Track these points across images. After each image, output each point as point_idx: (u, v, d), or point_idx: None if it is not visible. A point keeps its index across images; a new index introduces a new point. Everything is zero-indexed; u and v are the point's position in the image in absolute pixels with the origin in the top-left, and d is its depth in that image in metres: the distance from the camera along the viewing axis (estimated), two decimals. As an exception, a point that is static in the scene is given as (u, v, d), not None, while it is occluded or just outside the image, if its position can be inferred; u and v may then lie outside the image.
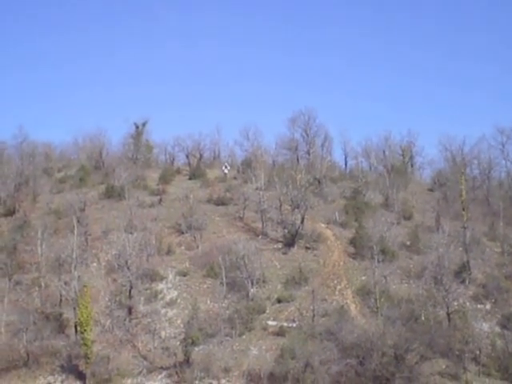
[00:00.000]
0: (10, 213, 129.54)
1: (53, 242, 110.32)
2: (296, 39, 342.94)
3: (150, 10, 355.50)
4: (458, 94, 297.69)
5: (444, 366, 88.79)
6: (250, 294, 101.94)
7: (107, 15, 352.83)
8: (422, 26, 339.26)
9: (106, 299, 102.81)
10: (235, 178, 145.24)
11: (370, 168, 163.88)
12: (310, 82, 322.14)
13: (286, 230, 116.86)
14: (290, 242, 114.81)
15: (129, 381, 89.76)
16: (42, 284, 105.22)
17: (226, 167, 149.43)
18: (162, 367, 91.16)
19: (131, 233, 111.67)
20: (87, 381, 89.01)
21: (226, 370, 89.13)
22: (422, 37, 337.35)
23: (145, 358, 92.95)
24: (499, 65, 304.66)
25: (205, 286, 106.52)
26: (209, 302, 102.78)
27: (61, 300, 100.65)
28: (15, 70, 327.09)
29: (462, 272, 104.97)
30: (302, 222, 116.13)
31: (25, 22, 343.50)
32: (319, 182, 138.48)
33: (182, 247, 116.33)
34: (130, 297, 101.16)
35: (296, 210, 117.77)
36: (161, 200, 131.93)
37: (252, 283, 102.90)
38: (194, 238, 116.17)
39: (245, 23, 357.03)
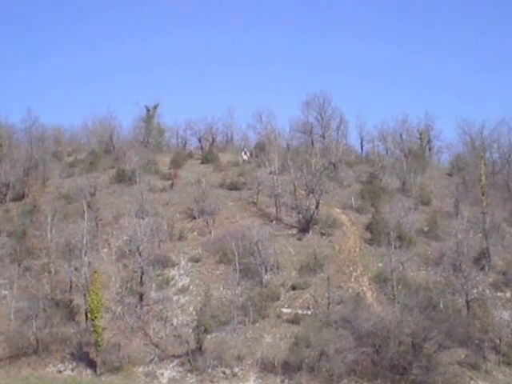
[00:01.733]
0: (20, 197, 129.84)
1: (63, 227, 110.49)
2: (309, 20, 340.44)
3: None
4: (477, 76, 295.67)
5: (463, 356, 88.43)
6: (263, 280, 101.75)
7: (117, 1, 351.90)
8: (437, 4, 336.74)
9: (117, 286, 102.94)
10: (249, 162, 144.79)
11: (387, 152, 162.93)
12: (324, 65, 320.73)
13: (301, 216, 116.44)
14: (304, 227, 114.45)
15: (140, 369, 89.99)
16: (52, 270, 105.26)
17: (245, 153, 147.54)
18: (173, 355, 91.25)
19: (142, 218, 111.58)
20: (98, 369, 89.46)
21: (239, 358, 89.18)
22: (438, 15, 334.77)
23: (156, 345, 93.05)
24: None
25: (217, 272, 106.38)
26: (222, 288, 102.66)
27: (71, 286, 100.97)
28: (25, 55, 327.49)
29: (481, 259, 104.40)
30: (317, 207, 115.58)
31: (36, 10, 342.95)
32: (334, 166, 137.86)
33: (195, 233, 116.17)
34: (142, 283, 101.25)
35: (311, 194, 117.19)
36: (172, 184, 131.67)
37: (266, 270, 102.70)
38: (207, 223, 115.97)
39: (255, 6, 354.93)
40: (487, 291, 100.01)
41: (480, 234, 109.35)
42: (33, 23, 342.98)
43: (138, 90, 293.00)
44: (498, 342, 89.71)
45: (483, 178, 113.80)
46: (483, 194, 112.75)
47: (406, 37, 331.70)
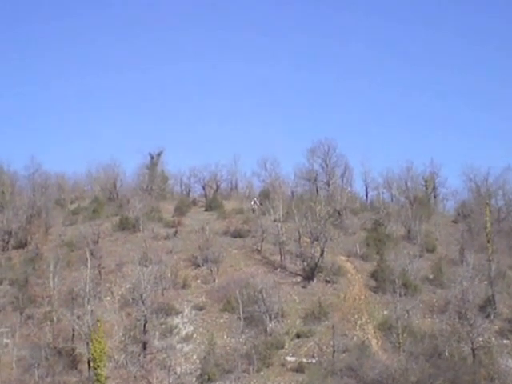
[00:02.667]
0: (22, 245, 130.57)
1: (65, 275, 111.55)
2: (310, 62, 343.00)
3: (163, 34, 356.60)
4: (481, 123, 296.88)
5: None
6: (268, 328, 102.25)
7: (123, 39, 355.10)
8: (442, 48, 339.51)
9: (120, 334, 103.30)
10: (253, 210, 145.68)
11: (392, 199, 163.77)
12: (328, 109, 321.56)
13: (305, 263, 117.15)
14: (309, 275, 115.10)
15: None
16: (54, 318, 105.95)
17: (254, 202, 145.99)
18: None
19: (146, 266, 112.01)
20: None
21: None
22: (442, 61, 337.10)
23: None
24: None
25: (221, 320, 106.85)
26: (226, 337, 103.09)
27: (73, 335, 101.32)
28: (27, 101, 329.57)
29: (486, 306, 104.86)
30: (322, 254, 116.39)
31: (33, 47, 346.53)
32: (339, 213, 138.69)
33: (198, 280, 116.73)
34: (145, 331, 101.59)
35: (315, 242, 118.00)
36: (176, 232, 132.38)
37: (270, 318, 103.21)
38: (211, 271, 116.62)
39: (260, 46, 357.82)
40: (493, 339, 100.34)
41: (485, 282, 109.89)
42: (34, 69, 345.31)
43: (141, 138, 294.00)
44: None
45: (488, 225, 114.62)
46: (488, 241, 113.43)
47: (411, 83, 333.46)
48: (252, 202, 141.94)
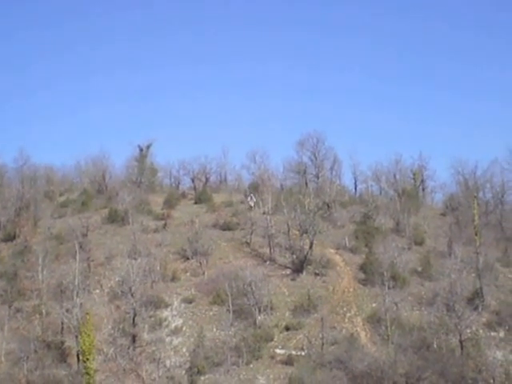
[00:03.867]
0: (11, 238, 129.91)
1: (54, 267, 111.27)
2: (300, 54, 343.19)
3: (155, 30, 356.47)
4: (470, 116, 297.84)
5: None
6: (257, 321, 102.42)
7: (110, 34, 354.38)
8: (433, 43, 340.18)
9: (109, 327, 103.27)
10: (242, 203, 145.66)
11: (381, 192, 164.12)
12: (318, 102, 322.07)
13: (295, 256, 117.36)
14: (298, 267, 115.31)
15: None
16: (43, 311, 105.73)
17: (251, 198, 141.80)
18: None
19: (135, 258, 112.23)
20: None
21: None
22: (432, 52, 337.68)
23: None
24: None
25: (211, 313, 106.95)
26: (215, 329, 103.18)
27: (62, 328, 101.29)
28: (16, 93, 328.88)
29: (474, 299, 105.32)
30: (311, 247, 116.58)
31: (24, 41, 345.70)
32: (328, 206, 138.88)
33: (188, 273, 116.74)
34: (134, 324, 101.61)
35: (304, 235, 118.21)
36: (165, 225, 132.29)
37: (259, 310, 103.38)
38: (200, 263, 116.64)
39: (250, 43, 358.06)
40: (481, 331, 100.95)
41: (473, 274, 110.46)
42: (25, 60, 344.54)
43: (131, 130, 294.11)
44: (491, 381, 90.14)
45: (476, 217, 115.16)
46: (476, 234, 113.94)
47: (400, 75, 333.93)
48: (248, 199, 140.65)
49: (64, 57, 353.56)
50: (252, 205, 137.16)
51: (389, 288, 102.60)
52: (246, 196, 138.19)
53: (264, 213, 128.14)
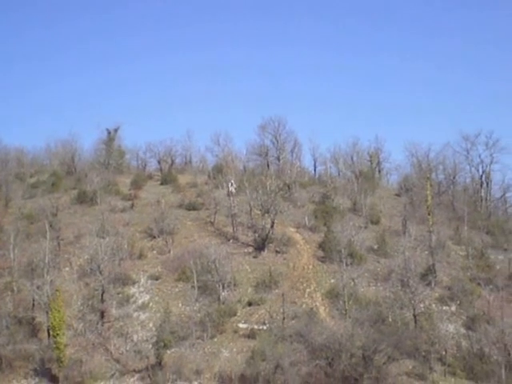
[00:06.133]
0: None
1: (25, 246, 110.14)
2: (265, 42, 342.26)
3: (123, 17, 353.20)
4: (423, 102, 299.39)
5: (411, 367, 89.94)
6: (221, 297, 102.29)
7: (77, 19, 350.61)
8: (387, 32, 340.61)
9: (79, 303, 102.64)
10: (206, 184, 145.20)
11: (339, 173, 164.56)
12: (279, 89, 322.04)
13: (257, 235, 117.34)
14: (260, 246, 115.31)
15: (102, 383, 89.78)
16: (15, 288, 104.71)
17: (231, 185, 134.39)
18: (134, 370, 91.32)
19: (103, 237, 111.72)
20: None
21: (198, 372, 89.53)
22: (388, 44, 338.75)
23: (117, 361, 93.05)
24: (463, 72, 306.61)
25: (176, 289, 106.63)
26: (180, 305, 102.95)
27: (33, 304, 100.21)
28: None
29: (427, 275, 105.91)
30: (272, 226, 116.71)
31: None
32: (289, 187, 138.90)
33: (154, 251, 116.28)
34: (103, 301, 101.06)
35: (266, 214, 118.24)
36: (133, 205, 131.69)
37: (223, 287, 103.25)
38: (166, 242, 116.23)
39: (215, 26, 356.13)
40: (433, 305, 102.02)
41: (426, 252, 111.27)
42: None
43: (99, 112, 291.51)
44: (443, 353, 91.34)
45: (429, 198, 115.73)
46: (429, 214, 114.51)
47: (356, 64, 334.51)
48: (229, 184, 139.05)
49: (37, 48, 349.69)
50: (233, 191, 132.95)
51: (346, 265, 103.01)
52: (227, 182, 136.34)
53: (227, 193, 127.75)
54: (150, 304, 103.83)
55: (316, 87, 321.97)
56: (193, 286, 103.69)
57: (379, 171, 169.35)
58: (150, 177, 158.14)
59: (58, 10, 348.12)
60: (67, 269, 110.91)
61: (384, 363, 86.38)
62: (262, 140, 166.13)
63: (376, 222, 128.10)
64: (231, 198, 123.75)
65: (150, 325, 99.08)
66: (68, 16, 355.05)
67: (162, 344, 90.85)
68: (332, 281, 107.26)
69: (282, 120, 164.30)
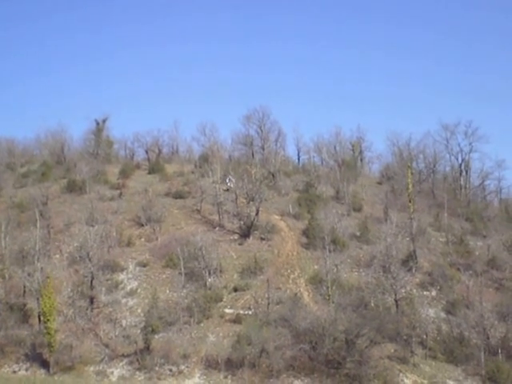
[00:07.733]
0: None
1: (16, 234, 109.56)
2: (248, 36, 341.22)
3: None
4: (404, 92, 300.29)
5: (392, 350, 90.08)
6: (207, 283, 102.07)
7: (65, 10, 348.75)
8: (365, 24, 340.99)
9: (69, 290, 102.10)
10: (193, 173, 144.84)
11: (322, 162, 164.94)
12: (263, 80, 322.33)
13: (242, 222, 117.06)
14: (245, 233, 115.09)
15: (91, 368, 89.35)
16: (6, 275, 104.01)
17: (230, 180, 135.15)
18: (123, 355, 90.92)
19: (92, 225, 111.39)
20: (51, 368, 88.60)
21: (185, 357, 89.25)
22: (367, 35, 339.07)
23: (106, 345, 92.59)
24: (443, 64, 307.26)
25: (164, 276, 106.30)
26: (168, 291, 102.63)
27: (24, 291, 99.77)
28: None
29: (408, 261, 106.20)
30: (257, 214, 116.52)
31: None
32: (273, 175, 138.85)
33: (142, 239, 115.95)
34: (92, 287, 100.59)
35: (251, 202, 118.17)
36: (121, 194, 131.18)
37: (209, 273, 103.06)
38: (154, 230, 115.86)
39: (201, 17, 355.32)
40: (414, 290, 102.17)
41: (407, 238, 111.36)
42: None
43: (88, 103, 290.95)
44: (424, 337, 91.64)
45: (410, 186, 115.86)
46: (410, 201, 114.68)
47: (337, 56, 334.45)
48: (227, 180, 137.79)
49: (25, 40, 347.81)
50: (231, 186, 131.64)
51: (329, 251, 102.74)
52: (225, 177, 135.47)
53: (213, 182, 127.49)
54: (138, 290, 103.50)
55: (299, 78, 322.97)
56: (180, 273, 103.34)
57: (361, 160, 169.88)
58: (138, 166, 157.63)
59: (45, 1, 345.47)
60: (57, 256, 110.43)
61: (366, 347, 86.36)
62: (246, 130, 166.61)
63: (358, 210, 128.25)
64: (217, 187, 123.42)
65: (139, 310, 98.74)
66: (56, 7, 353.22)
67: (150, 329, 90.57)
68: (315, 267, 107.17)
69: (267, 110, 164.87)
